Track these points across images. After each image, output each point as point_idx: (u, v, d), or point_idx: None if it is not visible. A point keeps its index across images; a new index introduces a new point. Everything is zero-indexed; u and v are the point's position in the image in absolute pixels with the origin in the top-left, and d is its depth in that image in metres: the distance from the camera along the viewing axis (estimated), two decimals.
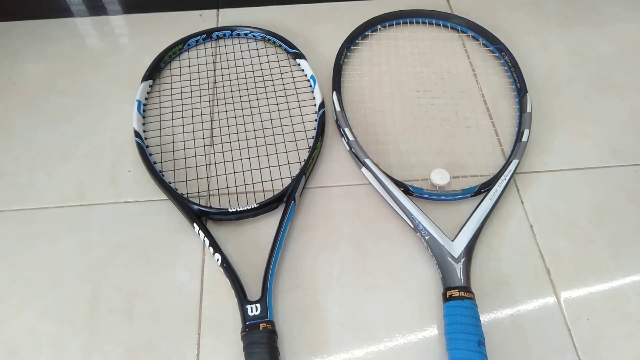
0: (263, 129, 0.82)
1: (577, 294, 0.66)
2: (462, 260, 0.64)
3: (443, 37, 0.97)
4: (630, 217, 0.73)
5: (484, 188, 0.73)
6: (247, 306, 0.62)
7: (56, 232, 0.72)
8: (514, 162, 0.74)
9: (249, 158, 0.78)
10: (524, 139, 0.77)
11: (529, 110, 0.81)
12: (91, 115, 0.85)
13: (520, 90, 0.84)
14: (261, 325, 0.60)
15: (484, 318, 0.63)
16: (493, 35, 0.93)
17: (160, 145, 0.80)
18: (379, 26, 0.97)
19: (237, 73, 0.90)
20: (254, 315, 0.61)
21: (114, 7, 1.05)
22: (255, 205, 0.71)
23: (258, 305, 0.62)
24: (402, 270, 0.68)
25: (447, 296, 0.62)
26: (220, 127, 0.82)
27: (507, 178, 0.73)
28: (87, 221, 0.73)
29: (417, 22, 0.98)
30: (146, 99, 0.86)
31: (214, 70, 0.91)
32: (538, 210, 0.74)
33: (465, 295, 0.61)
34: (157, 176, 0.74)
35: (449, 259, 0.65)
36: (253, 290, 0.65)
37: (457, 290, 0.62)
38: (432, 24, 0.98)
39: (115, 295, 0.67)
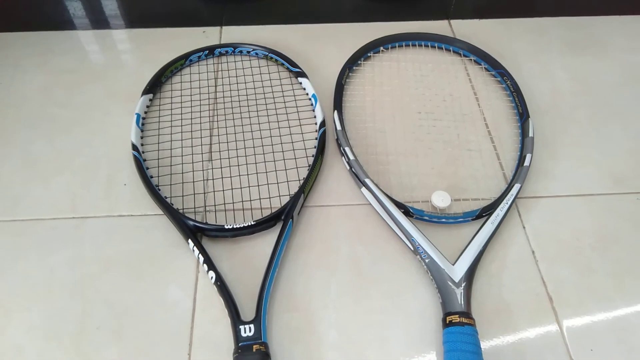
0: (263, 145, 0.81)
1: (580, 323, 0.64)
2: (463, 285, 0.63)
3: (445, 60, 0.97)
4: (634, 246, 0.71)
5: (486, 212, 0.72)
6: (240, 326, 0.60)
7: (48, 244, 0.71)
8: (516, 187, 0.73)
9: (247, 175, 0.77)
10: (526, 163, 0.76)
11: (531, 135, 0.80)
12: (89, 128, 0.84)
13: (522, 114, 0.84)
14: (254, 346, 0.58)
15: (484, 345, 0.61)
16: (495, 60, 0.93)
17: (158, 159, 0.79)
18: (381, 48, 0.97)
19: (238, 90, 0.90)
20: (247, 336, 0.59)
21: (118, 21, 1.05)
22: (252, 223, 0.69)
23: (252, 325, 0.60)
24: (401, 294, 0.67)
25: (447, 321, 0.60)
26: (219, 143, 0.82)
27: (509, 202, 0.72)
28: (79, 234, 0.72)
29: (420, 45, 0.98)
30: (145, 112, 0.85)
31: (215, 86, 0.91)
32: (540, 236, 0.72)
33: (466, 322, 0.59)
34: (153, 190, 0.73)
35: (450, 283, 0.63)
36: (247, 310, 0.63)
37: (457, 315, 0.60)
38: (434, 47, 0.98)
39: (105, 312, 0.64)
